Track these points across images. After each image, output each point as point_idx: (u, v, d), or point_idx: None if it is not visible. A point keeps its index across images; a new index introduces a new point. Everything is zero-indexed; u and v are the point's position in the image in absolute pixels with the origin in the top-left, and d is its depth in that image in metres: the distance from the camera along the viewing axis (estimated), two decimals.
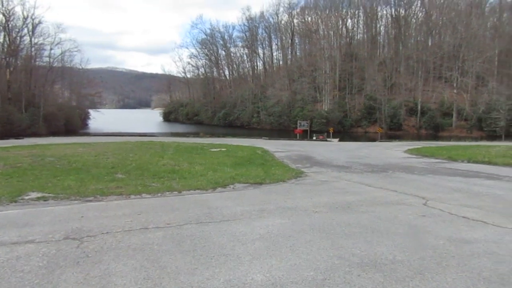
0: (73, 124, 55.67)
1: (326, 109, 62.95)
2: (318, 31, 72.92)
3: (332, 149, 23.80)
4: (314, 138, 37.81)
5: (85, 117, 68.60)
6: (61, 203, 7.07)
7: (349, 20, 74.69)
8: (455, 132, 53.32)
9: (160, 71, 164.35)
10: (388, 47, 72.07)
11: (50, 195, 7.66)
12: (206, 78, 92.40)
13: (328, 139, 37.03)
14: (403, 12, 69.65)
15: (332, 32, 71.60)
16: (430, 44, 67.51)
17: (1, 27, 48.66)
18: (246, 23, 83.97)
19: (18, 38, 51.31)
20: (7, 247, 4.46)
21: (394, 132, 55.20)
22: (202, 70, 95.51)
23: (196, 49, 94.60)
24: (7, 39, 49.67)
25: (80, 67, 67.57)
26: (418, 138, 46.58)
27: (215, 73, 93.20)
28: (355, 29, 76.66)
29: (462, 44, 59.80)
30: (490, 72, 57.14)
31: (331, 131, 41.53)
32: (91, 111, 70.84)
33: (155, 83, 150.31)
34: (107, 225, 5.40)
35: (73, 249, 4.39)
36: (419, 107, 57.73)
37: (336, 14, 71.16)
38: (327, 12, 72.42)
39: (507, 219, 6.14)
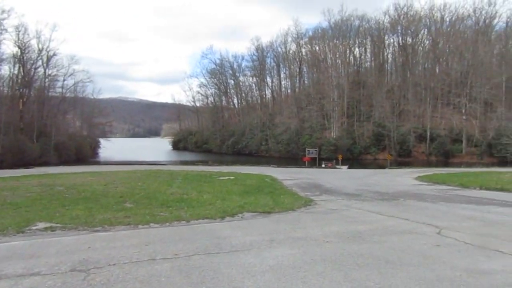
0: (83, 153, 56.24)
1: (334, 137, 62.88)
2: (326, 59, 73.87)
3: (341, 176, 23.59)
4: (323, 165, 37.52)
5: (95, 146, 69.36)
6: (69, 234, 7.04)
7: (357, 49, 75.86)
8: (465, 159, 52.59)
9: (170, 101, 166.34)
10: (396, 74, 72.48)
11: (58, 225, 7.64)
12: (215, 106, 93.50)
13: (337, 167, 36.73)
14: (410, 40, 70.24)
15: (340, 61, 72.53)
16: (437, 71, 67.60)
17: (16, 59, 50.39)
18: (255, 53, 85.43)
19: (33, 69, 53.06)
20: (12, 280, 4.38)
21: (403, 159, 54.66)
22: (211, 99, 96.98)
23: (205, 78, 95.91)
24: (21, 70, 51.31)
25: (92, 97, 69.80)
26: (428, 164, 45.97)
27: (224, 101, 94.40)
28: (362, 57, 77.63)
29: (469, 71, 59.89)
30: (498, 98, 56.79)
31: (340, 158, 41.15)
32: (101, 140, 71.99)
33: (165, 112, 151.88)
34: (114, 256, 5.32)
35: (79, 281, 4.31)
36: (428, 134, 57.36)
37: (344, 43, 72.15)
38: (334, 41, 73.50)
39: None
